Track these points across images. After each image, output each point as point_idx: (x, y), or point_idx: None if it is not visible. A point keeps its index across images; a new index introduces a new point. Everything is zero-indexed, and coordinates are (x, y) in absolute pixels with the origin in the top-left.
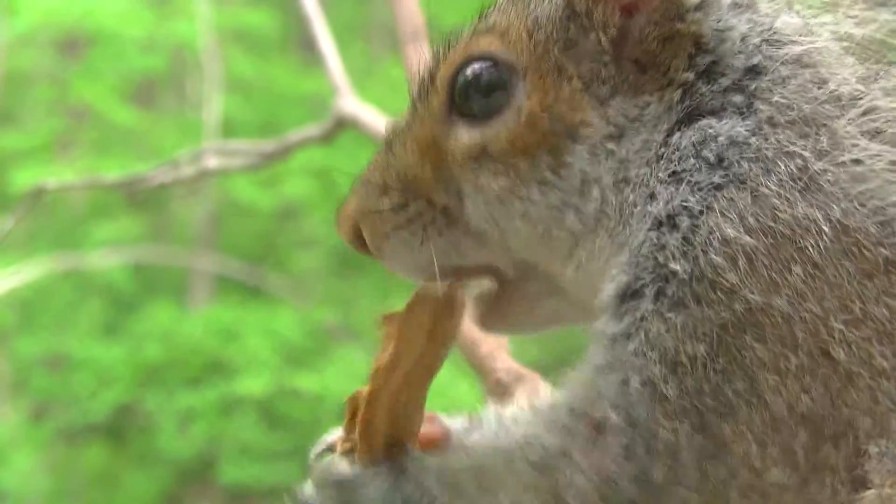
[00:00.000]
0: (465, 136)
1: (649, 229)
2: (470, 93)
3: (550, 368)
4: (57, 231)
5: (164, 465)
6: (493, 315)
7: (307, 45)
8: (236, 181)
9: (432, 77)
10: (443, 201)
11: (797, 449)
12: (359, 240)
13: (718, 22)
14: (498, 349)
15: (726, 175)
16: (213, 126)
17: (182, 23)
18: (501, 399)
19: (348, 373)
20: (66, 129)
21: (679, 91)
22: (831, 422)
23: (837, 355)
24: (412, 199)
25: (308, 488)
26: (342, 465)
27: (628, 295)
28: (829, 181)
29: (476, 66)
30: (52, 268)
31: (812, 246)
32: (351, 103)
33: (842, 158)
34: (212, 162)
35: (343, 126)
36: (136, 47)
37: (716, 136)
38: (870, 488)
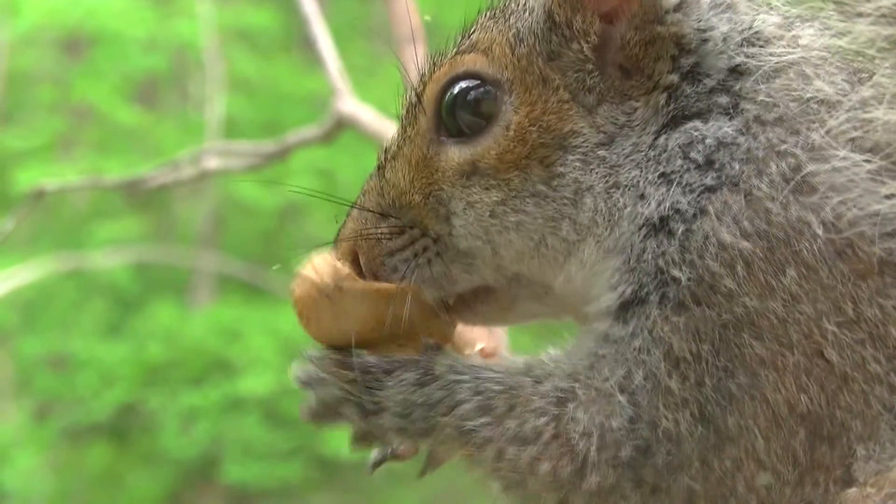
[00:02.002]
0: (454, 154)
1: (646, 236)
2: (457, 111)
3: None
4: (60, 231)
5: (167, 465)
6: (468, 311)
7: (309, 44)
8: (239, 182)
9: (419, 97)
10: (435, 227)
11: (797, 446)
12: (355, 263)
13: (699, 22)
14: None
15: (719, 177)
16: (216, 126)
17: (184, 22)
18: None
19: None
20: (69, 128)
21: (665, 94)
22: (828, 423)
23: (831, 357)
24: (407, 227)
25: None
26: (368, 356)
27: (634, 303)
28: (820, 181)
29: (462, 84)
30: (56, 268)
31: (806, 248)
32: (350, 104)
33: (830, 161)
34: (212, 163)
35: (342, 126)
36: (138, 47)
37: (702, 138)
38: (853, 487)
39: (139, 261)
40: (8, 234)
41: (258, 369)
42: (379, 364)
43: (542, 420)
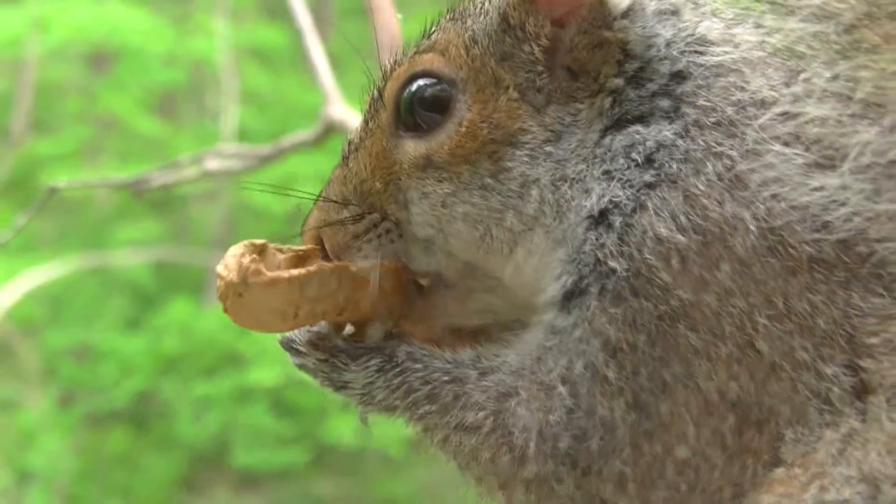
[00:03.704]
0: (411, 147)
1: (587, 229)
2: (414, 107)
3: None
4: (85, 232)
5: (181, 449)
6: (426, 304)
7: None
8: (251, 186)
9: (380, 93)
10: (395, 213)
11: (726, 431)
12: (321, 249)
13: (644, 29)
14: None
15: (658, 174)
16: (230, 135)
17: (201, 40)
18: None
19: None
20: (94, 137)
21: (610, 97)
22: (756, 409)
23: (762, 347)
24: (367, 212)
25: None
26: (338, 336)
27: (575, 294)
28: (755, 181)
29: (420, 82)
30: (80, 265)
31: (740, 244)
32: (339, 109)
33: (763, 156)
34: (212, 164)
35: (332, 131)
36: (158, 62)
37: (644, 141)
38: (781, 467)
39: (157, 260)
40: (21, 228)
41: (266, 362)
42: (347, 349)
43: (481, 414)
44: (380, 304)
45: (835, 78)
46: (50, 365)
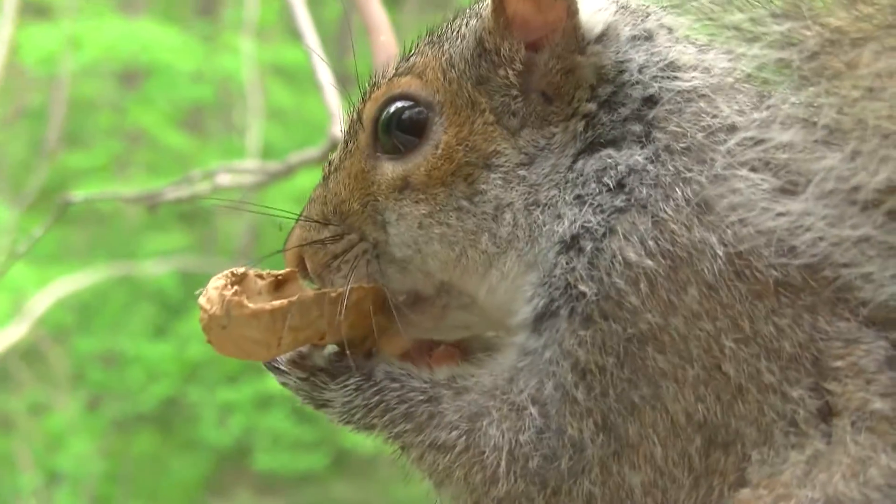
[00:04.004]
0: (388, 169)
1: (559, 252)
2: (392, 130)
3: None
4: (114, 242)
5: (205, 452)
6: (403, 321)
7: (337, 80)
8: (274, 199)
9: (359, 115)
10: (373, 234)
11: (693, 453)
12: (302, 268)
13: (617, 54)
14: None
15: (628, 199)
16: (254, 149)
17: (228, 58)
18: None
19: None
20: (124, 150)
21: (583, 121)
22: (723, 430)
23: (728, 370)
24: (346, 232)
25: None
26: (319, 356)
27: (546, 316)
28: (722, 206)
29: (397, 104)
30: (109, 275)
31: (707, 268)
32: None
33: (729, 181)
34: (224, 179)
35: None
36: (186, 79)
37: (615, 165)
38: (747, 488)
39: (183, 270)
40: (37, 239)
41: None
42: (327, 368)
43: (454, 433)
44: (360, 326)
45: (799, 104)
46: (79, 370)
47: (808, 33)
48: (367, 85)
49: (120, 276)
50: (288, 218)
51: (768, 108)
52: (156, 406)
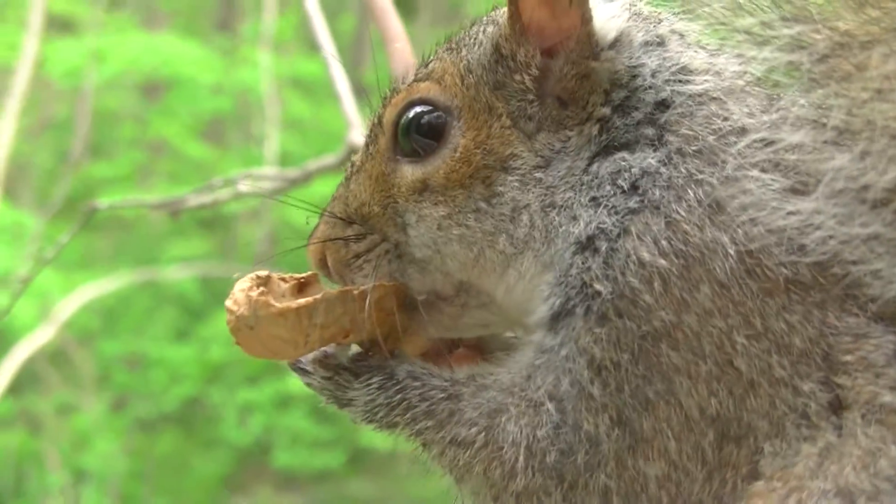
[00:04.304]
0: (408, 172)
1: (574, 253)
2: (411, 133)
3: None
4: (138, 249)
5: (226, 451)
6: (423, 319)
7: (354, 91)
8: (291, 207)
9: (380, 119)
10: (394, 235)
11: (706, 446)
12: (323, 263)
13: (630, 59)
14: None
15: (642, 201)
16: (272, 158)
17: (247, 70)
18: None
19: None
20: (147, 160)
21: (597, 125)
22: (735, 424)
23: (740, 365)
24: (368, 232)
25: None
26: (343, 355)
27: (562, 314)
28: (733, 206)
29: (416, 109)
30: (133, 280)
31: (719, 267)
32: (361, 135)
33: (741, 181)
34: (244, 186)
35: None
36: (207, 91)
37: (629, 168)
38: (760, 480)
39: (205, 275)
40: (64, 246)
41: None
42: (351, 367)
43: (474, 430)
44: (383, 324)
45: (809, 106)
46: (104, 372)
47: (818, 36)
48: (387, 90)
49: (143, 282)
50: (313, 212)
51: (778, 110)
52: (178, 406)
